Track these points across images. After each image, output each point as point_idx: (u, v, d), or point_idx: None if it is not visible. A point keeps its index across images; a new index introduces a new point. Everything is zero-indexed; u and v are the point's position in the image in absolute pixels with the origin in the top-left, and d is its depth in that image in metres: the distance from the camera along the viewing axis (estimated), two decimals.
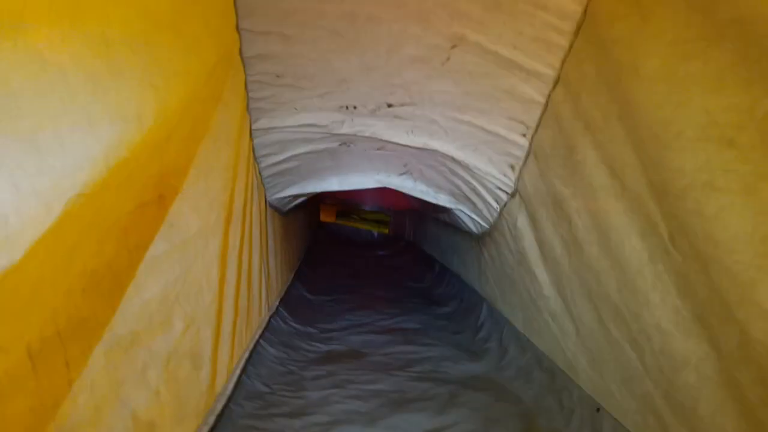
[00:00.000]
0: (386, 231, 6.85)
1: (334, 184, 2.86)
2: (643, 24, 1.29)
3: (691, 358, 1.26)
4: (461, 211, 3.03)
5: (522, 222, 2.32)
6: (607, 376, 1.60)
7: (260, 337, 2.09)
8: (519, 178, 2.32)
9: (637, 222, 1.42)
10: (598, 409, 1.57)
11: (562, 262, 1.92)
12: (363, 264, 4.37)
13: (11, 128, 0.60)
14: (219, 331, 1.49)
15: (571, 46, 1.65)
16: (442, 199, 2.98)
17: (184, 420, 1.19)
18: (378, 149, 2.58)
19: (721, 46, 1.07)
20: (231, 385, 1.56)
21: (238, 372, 1.65)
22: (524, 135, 2.17)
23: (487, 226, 2.93)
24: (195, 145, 1.22)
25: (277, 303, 2.63)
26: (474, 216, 2.96)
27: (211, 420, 1.37)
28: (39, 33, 0.63)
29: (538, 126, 2.07)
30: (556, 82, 1.80)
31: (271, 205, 2.75)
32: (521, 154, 2.23)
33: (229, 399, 1.53)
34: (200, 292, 1.32)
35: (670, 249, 1.29)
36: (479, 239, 3.17)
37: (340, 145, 2.53)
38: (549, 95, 1.90)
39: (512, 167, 2.34)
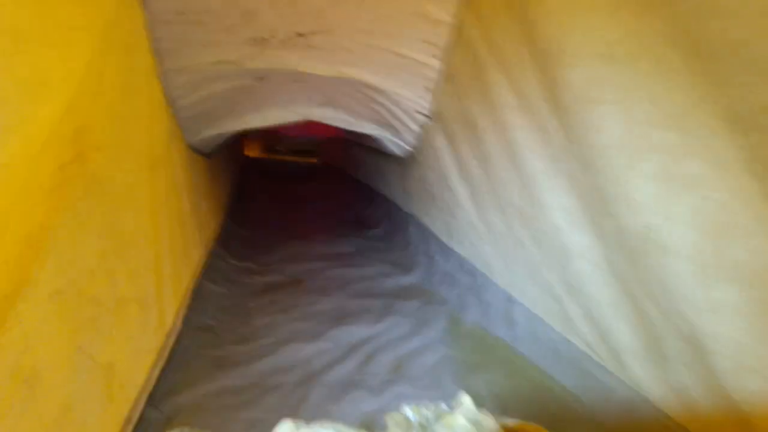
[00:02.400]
0: (314, 161, 6.86)
1: (254, 121, 2.84)
2: None
3: (581, 249, 1.49)
4: (385, 137, 3.12)
5: (440, 142, 2.46)
6: (517, 271, 1.84)
7: (201, 276, 2.17)
8: (435, 100, 2.43)
9: (537, 134, 1.59)
10: (510, 300, 1.81)
11: (476, 176, 2.10)
12: (294, 195, 4.42)
13: None
14: (160, 274, 1.55)
15: None
16: (365, 127, 3.05)
17: (140, 357, 1.28)
18: (295, 81, 2.57)
19: None
20: (179, 322, 1.65)
21: (184, 310, 1.74)
22: (436, 57, 2.25)
23: (410, 148, 3.06)
24: (105, 97, 1.21)
25: (213, 242, 2.68)
26: (397, 140, 3.07)
27: (165, 354, 1.47)
28: None
29: (449, 48, 2.15)
30: (463, 2, 1.87)
31: (194, 148, 2.71)
32: (435, 76, 2.33)
33: (180, 335, 1.63)
34: (135, 241, 1.37)
35: (561, 157, 1.47)
36: (404, 161, 3.30)
37: (254, 80, 2.50)
38: (458, 17, 1.98)
39: (428, 89, 2.44)
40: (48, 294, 0.91)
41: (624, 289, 1.36)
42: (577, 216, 1.47)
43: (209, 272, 2.28)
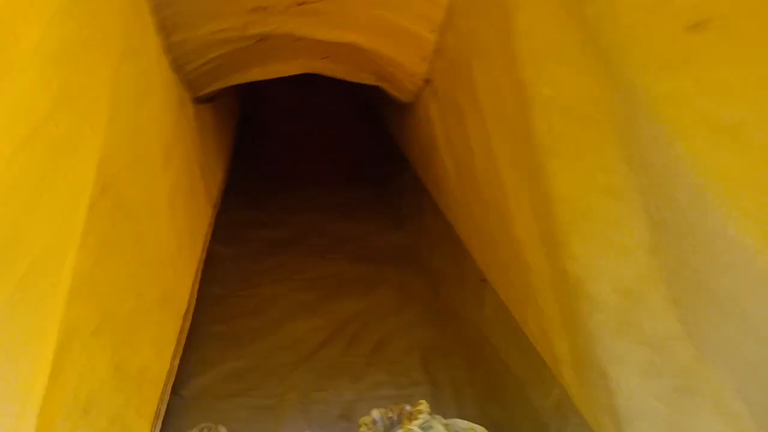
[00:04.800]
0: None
1: (259, 74, 2.90)
2: None
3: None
4: (384, 87, 3.17)
5: (434, 112, 2.55)
6: (488, 249, 2.05)
7: (210, 238, 2.42)
8: (430, 71, 2.48)
9: (509, 142, 1.71)
10: (483, 280, 2.06)
11: (460, 160, 2.23)
12: (304, 131, 4.49)
13: None
14: (177, 264, 1.79)
15: None
16: (365, 78, 3.09)
17: (164, 351, 1.55)
18: (296, 41, 2.60)
19: None
20: (193, 300, 1.93)
21: (197, 284, 2.01)
22: (433, 31, 2.27)
23: (408, 101, 3.12)
24: (123, 114, 1.33)
25: (220, 194, 2.90)
26: (395, 92, 3.12)
27: (183, 338, 1.75)
28: None
29: (444, 26, 2.17)
30: None
31: (199, 99, 2.82)
32: (431, 49, 2.36)
33: (193, 312, 1.92)
34: (157, 243, 1.58)
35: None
36: (404, 108, 3.37)
37: (257, 41, 2.53)
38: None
39: (424, 59, 2.47)
40: (90, 332, 1.15)
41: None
42: (525, 207, 1.64)
43: (217, 231, 2.53)
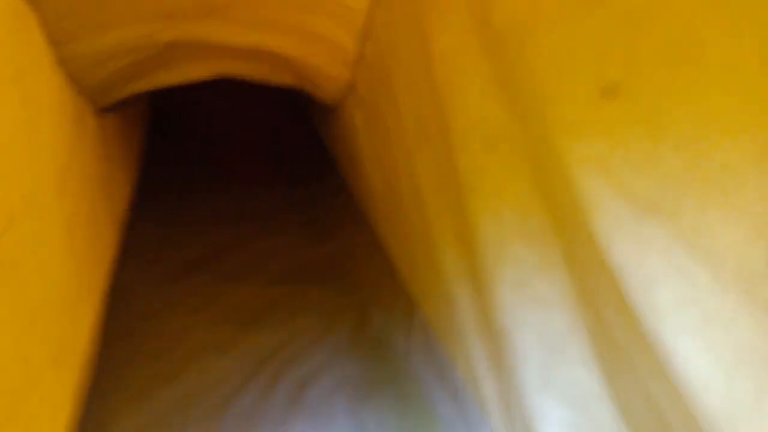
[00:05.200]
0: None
1: (167, 78, 2.64)
2: None
3: None
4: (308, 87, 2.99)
5: (360, 121, 2.42)
6: (417, 274, 1.97)
7: (116, 263, 2.19)
8: (355, 76, 2.34)
9: (433, 168, 1.61)
10: (412, 306, 1.98)
11: (386, 175, 2.12)
12: (224, 124, 4.20)
13: None
14: (76, 308, 1.58)
15: None
16: (284, 79, 2.90)
17: (58, 411, 1.36)
18: (208, 47, 2.37)
19: None
20: (95, 342, 1.72)
21: (99, 322, 1.80)
22: (353, 38, 2.13)
23: (335, 103, 2.97)
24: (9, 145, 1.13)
25: (128, 210, 2.65)
26: (320, 94, 2.95)
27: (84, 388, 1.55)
28: None
29: (364, 34, 2.04)
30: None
31: (103, 109, 2.53)
32: (352, 55, 2.22)
33: (95, 355, 1.71)
34: (50, 292, 1.37)
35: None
36: (333, 111, 3.21)
37: (166, 48, 2.29)
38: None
39: (345, 65, 2.33)
40: None
41: None
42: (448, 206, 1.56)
43: (125, 253, 2.30)
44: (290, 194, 3.19)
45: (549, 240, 1.10)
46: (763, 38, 0.60)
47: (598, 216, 0.80)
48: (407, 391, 1.65)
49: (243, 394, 1.63)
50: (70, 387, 1.52)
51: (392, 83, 1.82)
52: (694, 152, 0.69)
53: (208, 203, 3.04)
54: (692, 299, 0.73)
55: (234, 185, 3.31)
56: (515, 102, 1.07)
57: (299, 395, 1.62)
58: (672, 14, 0.69)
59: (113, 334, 1.90)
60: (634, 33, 0.75)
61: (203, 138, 3.95)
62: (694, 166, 0.69)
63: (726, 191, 0.66)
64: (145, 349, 1.83)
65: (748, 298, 0.65)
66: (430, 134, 1.61)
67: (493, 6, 1.09)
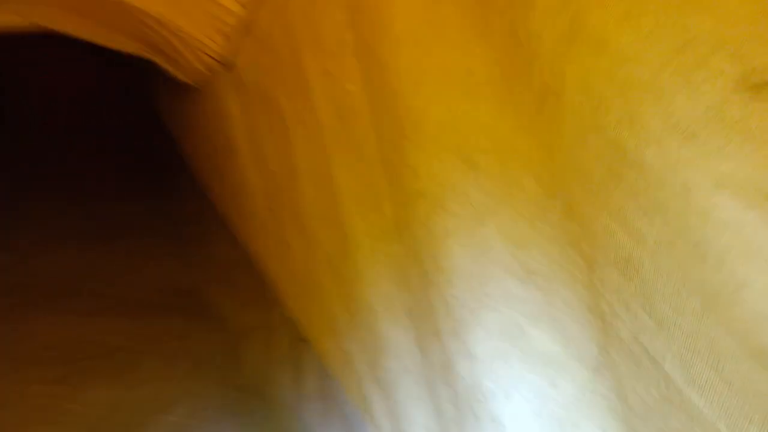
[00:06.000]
0: None
1: None
2: None
3: None
4: (158, 62, 2.38)
5: (235, 107, 1.95)
6: (311, 301, 1.60)
7: None
8: (231, 50, 1.87)
9: (359, 175, 1.28)
10: (302, 339, 1.59)
11: (275, 177, 1.72)
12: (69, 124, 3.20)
13: None
14: None
15: None
16: (130, 47, 2.26)
17: None
18: None
19: None
20: None
21: None
22: (239, 2, 1.68)
23: (191, 83, 2.41)
24: None
25: None
26: (176, 71, 2.37)
27: None
28: None
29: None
30: None
31: None
32: (235, 23, 1.76)
33: None
34: None
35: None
36: (185, 90, 2.62)
37: None
38: None
39: (223, 34, 1.85)
40: None
41: None
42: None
43: None
44: (137, 200, 2.51)
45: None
46: None
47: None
48: None
49: None
50: None
51: (302, 67, 1.43)
52: None
53: (37, 218, 2.23)
54: None
55: (68, 192, 2.50)
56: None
57: None
58: None
59: None
60: None
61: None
62: None
63: None
64: None
65: None
66: (358, 136, 1.26)
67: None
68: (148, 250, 2.04)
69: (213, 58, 1.99)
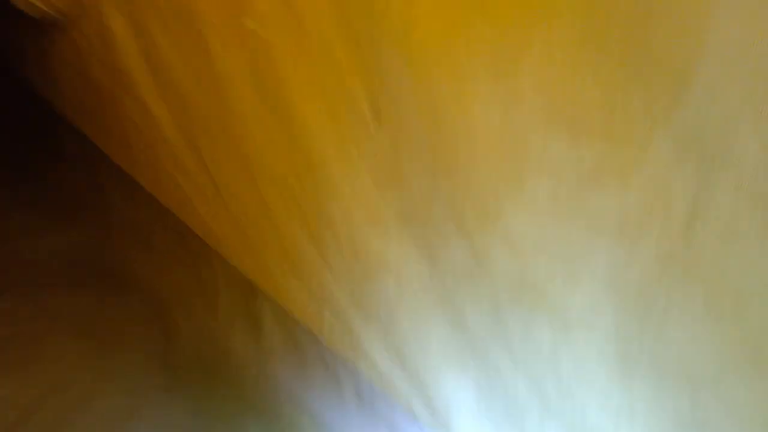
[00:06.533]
0: None
1: None
2: None
3: None
4: None
5: (119, 25, 1.57)
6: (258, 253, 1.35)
7: None
8: None
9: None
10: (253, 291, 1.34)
11: (183, 90, 1.40)
12: None
13: None
14: None
15: None
16: None
17: None
18: None
19: None
20: None
21: None
22: None
23: (49, 11, 1.93)
24: None
25: None
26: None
27: None
28: None
29: None
30: None
31: None
32: None
33: None
34: None
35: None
36: (55, 40, 2.11)
37: None
38: None
39: None
40: None
41: None
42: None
43: None
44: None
45: None
46: None
47: None
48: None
49: None
50: None
51: None
52: None
53: None
54: None
55: None
56: None
57: None
58: None
59: None
60: None
61: None
62: None
63: None
64: None
65: None
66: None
67: None
68: (42, 225, 1.63)
69: None
